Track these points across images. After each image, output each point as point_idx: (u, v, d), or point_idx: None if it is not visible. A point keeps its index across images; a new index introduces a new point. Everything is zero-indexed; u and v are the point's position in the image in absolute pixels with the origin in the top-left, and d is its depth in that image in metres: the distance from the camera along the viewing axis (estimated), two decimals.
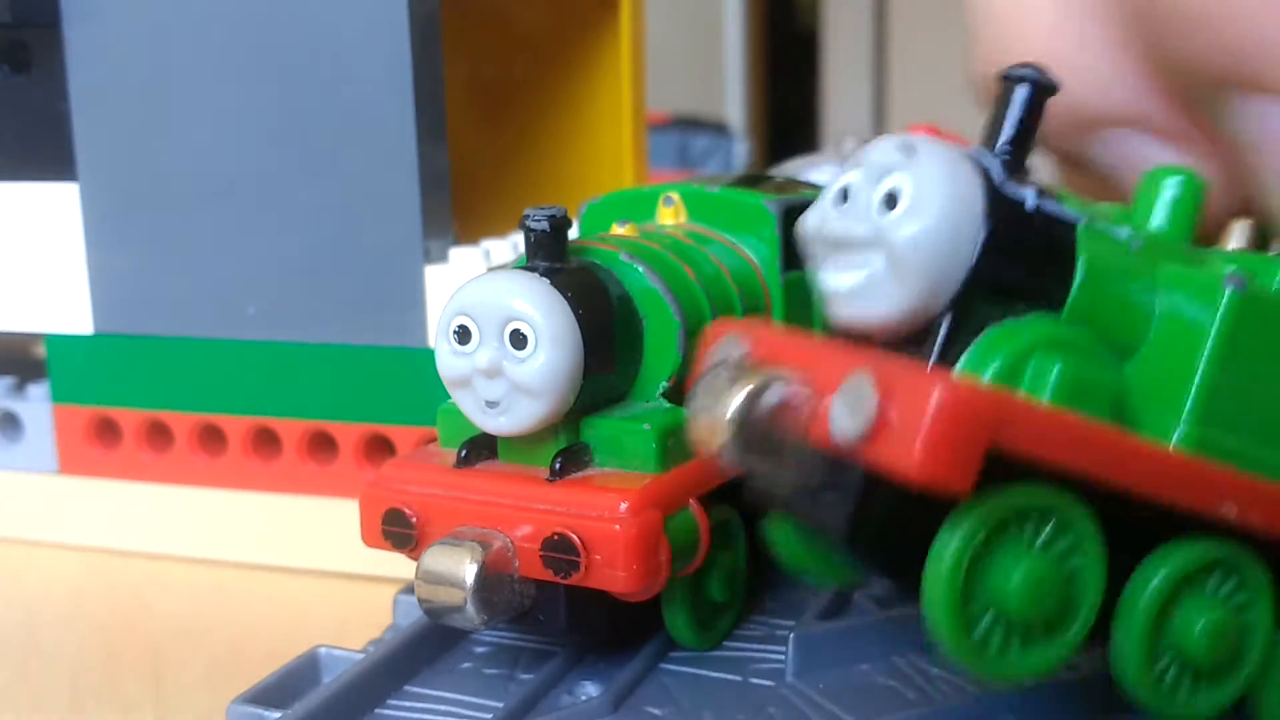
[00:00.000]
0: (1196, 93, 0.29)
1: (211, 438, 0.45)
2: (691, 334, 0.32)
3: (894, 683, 0.31)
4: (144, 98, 0.43)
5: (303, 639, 0.34)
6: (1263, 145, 0.28)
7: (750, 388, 0.24)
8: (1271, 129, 0.27)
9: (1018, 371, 0.24)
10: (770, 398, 0.24)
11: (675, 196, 0.37)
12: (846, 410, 0.23)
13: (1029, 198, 0.25)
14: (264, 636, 0.39)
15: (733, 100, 2.04)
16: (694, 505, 0.30)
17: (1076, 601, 0.24)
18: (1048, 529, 0.24)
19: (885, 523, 0.24)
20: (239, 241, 0.43)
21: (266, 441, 0.44)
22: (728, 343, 0.27)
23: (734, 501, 0.34)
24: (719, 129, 1.35)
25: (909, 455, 0.22)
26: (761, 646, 0.34)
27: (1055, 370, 0.24)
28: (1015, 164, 0.26)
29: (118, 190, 0.44)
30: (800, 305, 0.37)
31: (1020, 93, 0.26)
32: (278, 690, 0.31)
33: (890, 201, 0.25)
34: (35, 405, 0.47)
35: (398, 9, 0.40)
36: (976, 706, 0.30)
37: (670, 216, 0.37)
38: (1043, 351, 0.24)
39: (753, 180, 0.39)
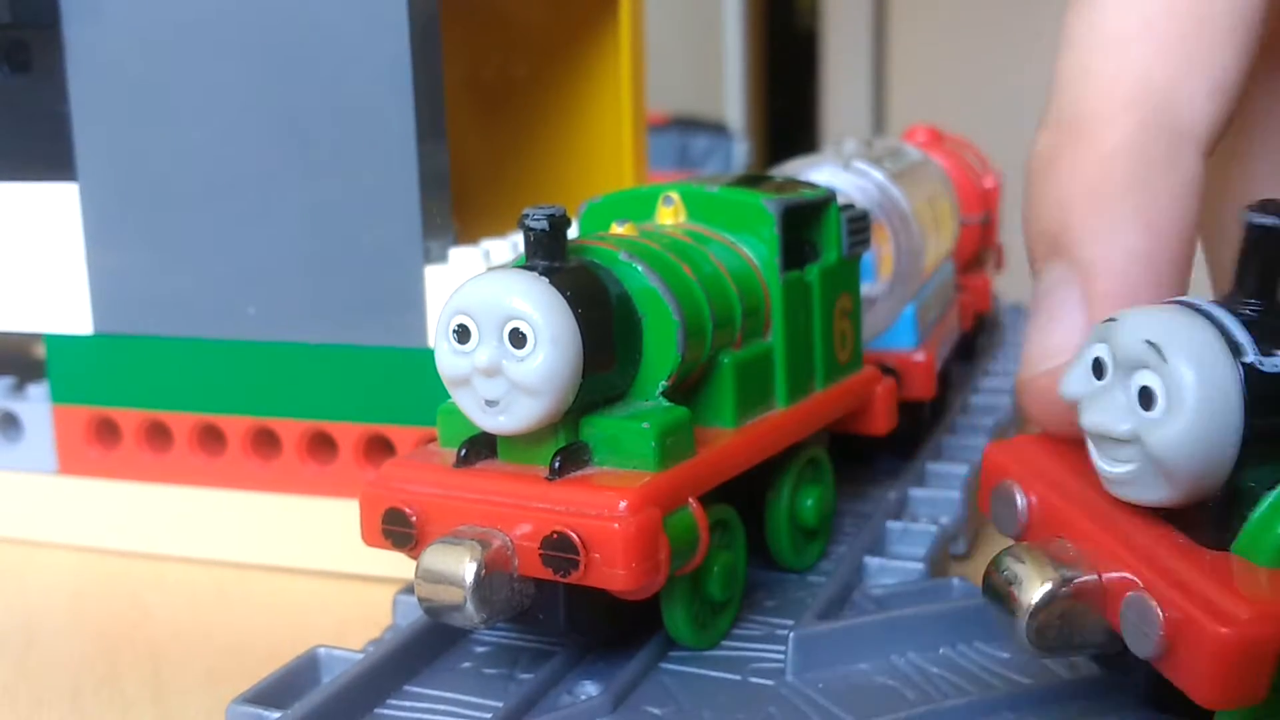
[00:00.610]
0: None
1: (211, 438, 0.45)
2: (690, 333, 0.32)
3: (893, 682, 0.32)
4: (144, 98, 0.44)
5: (302, 639, 0.34)
6: None
7: (1046, 589, 0.25)
8: None
9: None
10: (1062, 594, 0.25)
11: (675, 196, 0.37)
12: (1135, 633, 0.24)
13: None
14: (263, 636, 0.39)
15: (732, 100, 2.04)
16: (693, 504, 0.30)
17: None
18: None
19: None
20: (239, 241, 0.43)
21: (266, 441, 0.44)
22: (1007, 493, 0.28)
23: (733, 501, 0.34)
24: (718, 129, 1.35)
25: (1203, 690, 0.23)
26: (761, 646, 0.34)
27: None
28: (1262, 317, 0.25)
29: (118, 190, 0.44)
30: (800, 304, 0.37)
31: (1261, 238, 0.26)
32: (277, 690, 0.31)
33: (1145, 397, 0.25)
34: (35, 405, 0.47)
35: (398, 9, 0.40)
36: (976, 706, 0.30)
37: (670, 216, 0.37)
38: None
39: (752, 180, 0.39)
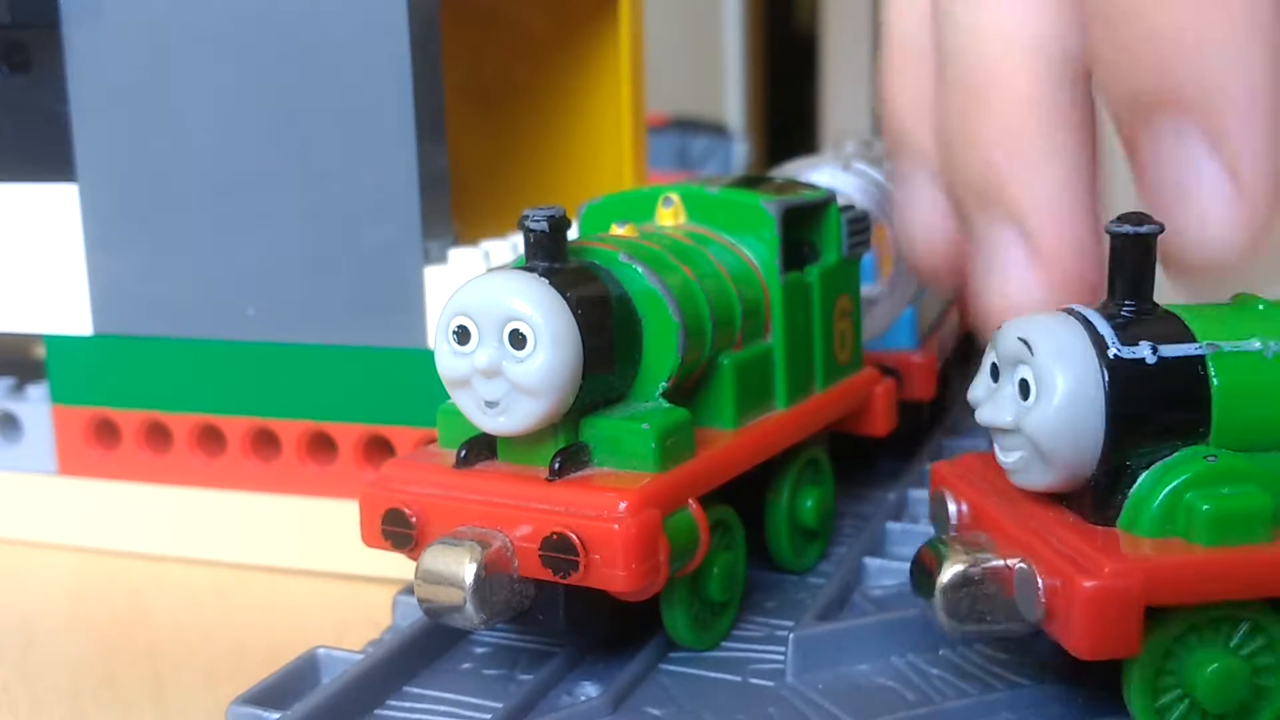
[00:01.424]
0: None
1: (211, 438, 0.45)
2: (690, 334, 0.32)
3: (893, 683, 0.32)
4: (143, 98, 0.43)
5: (302, 640, 0.34)
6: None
7: (957, 570, 0.28)
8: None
9: (1172, 518, 0.27)
10: (972, 575, 0.28)
11: (675, 197, 0.37)
12: (1024, 601, 0.27)
13: (1147, 353, 0.27)
14: (263, 637, 0.39)
15: (732, 101, 2.04)
16: (693, 505, 0.30)
17: (1260, 702, 0.27)
18: (1242, 633, 0.27)
19: None
20: (239, 242, 0.43)
21: (266, 442, 0.44)
22: (944, 499, 0.32)
23: (733, 501, 0.34)
24: (718, 130, 1.35)
25: (1077, 642, 0.26)
26: (761, 646, 0.34)
27: (1203, 511, 0.26)
28: (1135, 315, 0.28)
29: (117, 190, 0.44)
30: (799, 305, 0.37)
31: (1124, 245, 0.28)
32: (277, 691, 0.31)
33: (1023, 388, 0.28)
34: (35, 406, 0.47)
35: (398, 9, 0.40)
36: (975, 706, 0.30)
37: (669, 217, 0.37)
38: (1191, 491, 0.27)
39: (752, 181, 0.39)
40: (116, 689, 0.36)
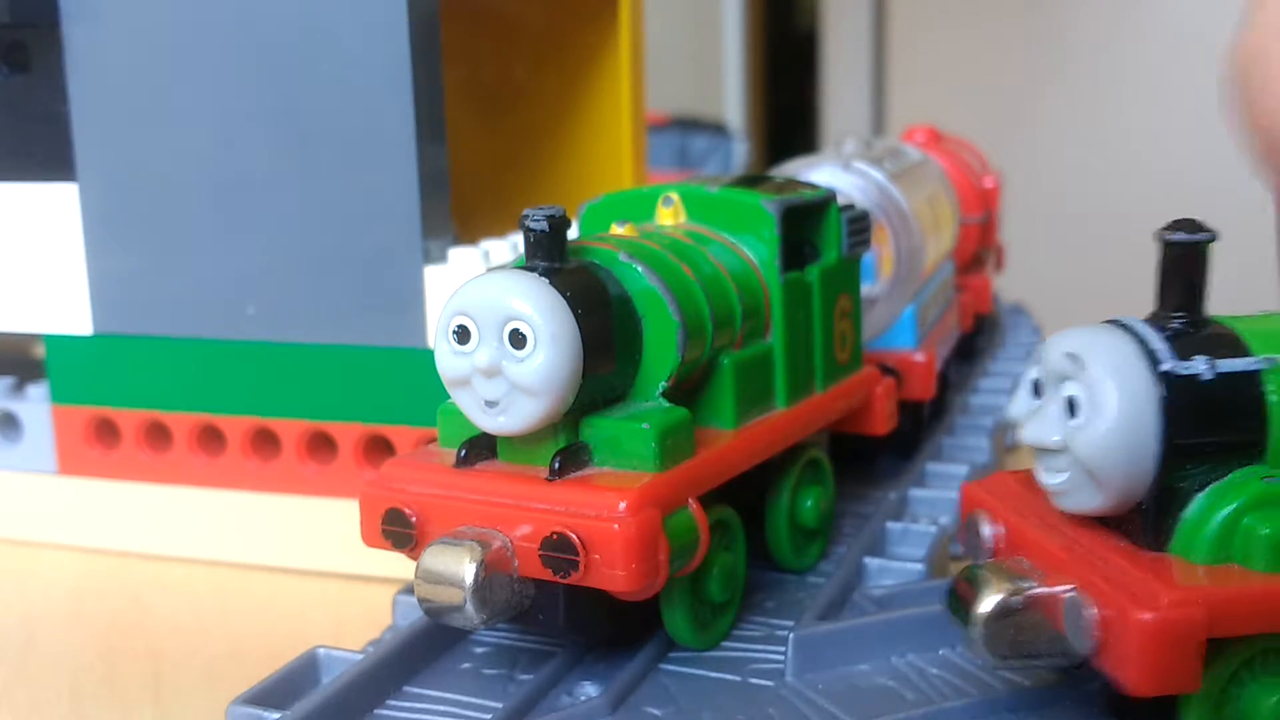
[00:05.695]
0: None
1: (211, 438, 0.45)
2: (690, 334, 0.32)
3: (893, 683, 0.32)
4: (143, 98, 0.43)
5: (302, 640, 0.34)
6: None
7: (998, 599, 0.26)
8: None
9: (1228, 543, 0.26)
10: (1014, 604, 0.26)
11: (674, 197, 0.37)
12: (1074, 632, 0.26)
13: (1203, 369, 0.26)
14: (263, 637, 0.39)
15: (732, 101, 2.04)
16: (693, 505, 0.30)
17: None
18: None
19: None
20: (239, 241, 0.43)
21: (266, 442, 0.44)
22: (978, 521, 0.30)
23: (733, 501, 0.34)
24: (718, 129, 1.34)
25: (1132, 677, 0.24)
26: (761, 646, 0.34)
27: (1263, 535, 0.25)
28: (1187, 327, 0.27)
29: (117, 190, 0.44)
30: (800, 305, 0.37)
31: (1176, 254, 0.27)
32: (277, 691, 0.31)
33: (1071, 406, 0.27)
34: (35, 406, 0.47)
35: (397, 9, 0.40)
36: (975, 707, 0.30)
37: (669, 217, 0.37)
38: (1249, 515, 0.26)
39: (752, 180, 0.39)
40: (116, 689, 0.36)
